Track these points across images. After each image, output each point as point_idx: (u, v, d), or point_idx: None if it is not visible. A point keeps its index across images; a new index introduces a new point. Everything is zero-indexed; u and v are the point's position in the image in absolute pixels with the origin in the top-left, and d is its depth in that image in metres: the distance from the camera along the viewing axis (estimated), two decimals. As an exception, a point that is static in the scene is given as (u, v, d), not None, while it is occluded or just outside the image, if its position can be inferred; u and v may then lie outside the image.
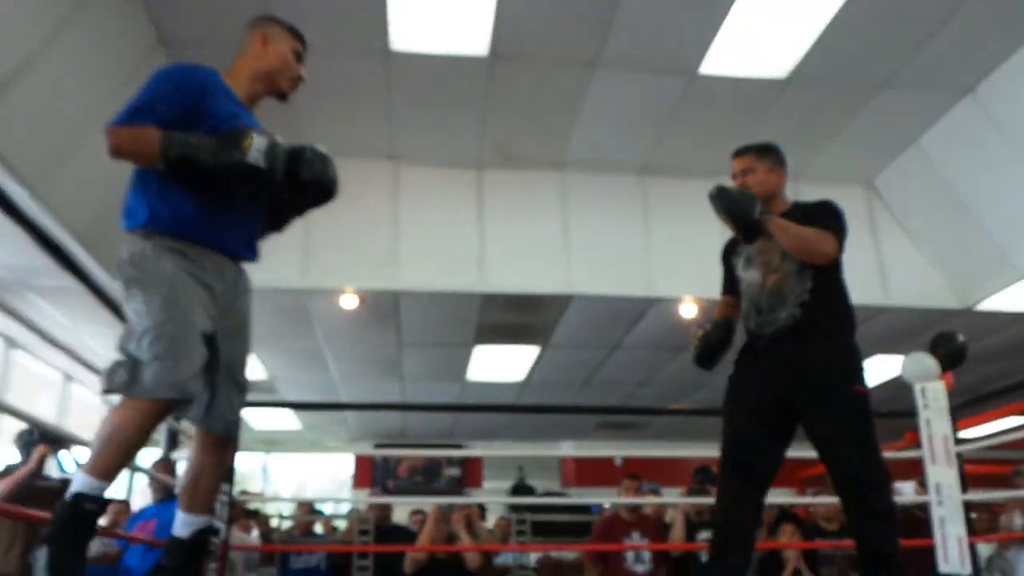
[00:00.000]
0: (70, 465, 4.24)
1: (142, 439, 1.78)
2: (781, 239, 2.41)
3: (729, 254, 2.70)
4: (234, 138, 1.81)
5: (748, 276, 2.57)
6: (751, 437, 2.42)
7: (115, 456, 1.74)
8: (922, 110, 5.19)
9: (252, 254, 2.08)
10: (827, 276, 2.44)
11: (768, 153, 2.62)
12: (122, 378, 1.75)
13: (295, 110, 5.05)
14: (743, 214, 2.40)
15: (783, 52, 4.59)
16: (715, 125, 5.22)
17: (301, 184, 1.98)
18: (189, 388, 1.79)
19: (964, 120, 5.13)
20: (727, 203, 2.42)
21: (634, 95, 4.93)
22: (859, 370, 2.38)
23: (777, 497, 4.54)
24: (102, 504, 1.77)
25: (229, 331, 1.95)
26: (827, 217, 2.46)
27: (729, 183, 2.55)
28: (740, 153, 2.62)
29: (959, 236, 5.57)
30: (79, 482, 1.73)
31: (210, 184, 1.86)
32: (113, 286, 5.02)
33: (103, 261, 4.85)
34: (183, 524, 1.93)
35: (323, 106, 5.04)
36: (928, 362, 3.87)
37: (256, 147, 1.81)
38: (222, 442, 1.97)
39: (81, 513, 1.72)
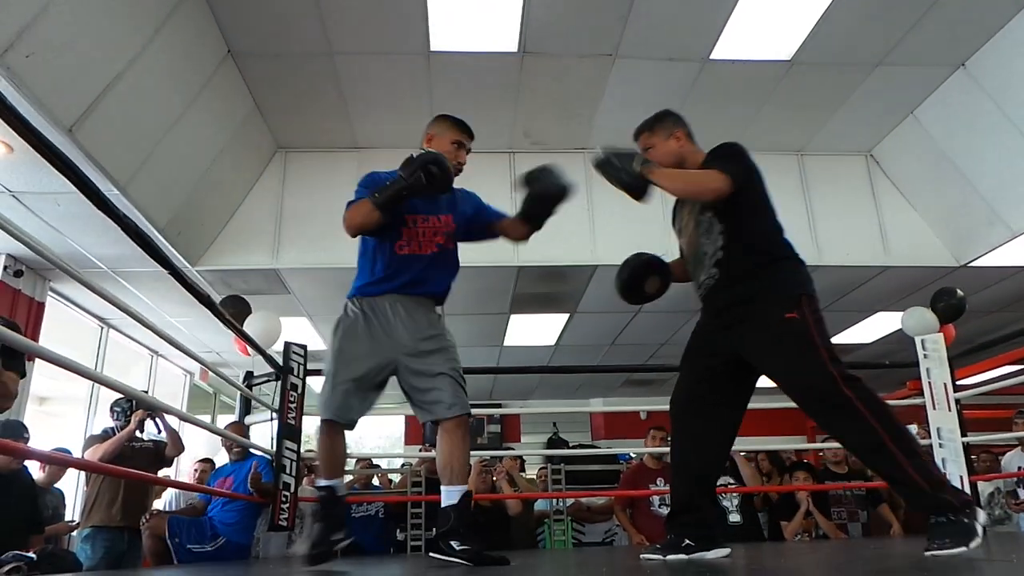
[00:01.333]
0: (159, 428, 4.36)
1: (331, 447, 2.30)
2: (666, 187, 2.21)
3: (674, 221, 2.50)
4: (403, 163, 2.26)
5: (680, 243, 2.41)
6: (692, 396, 2.28)
7: (325, 461, 2.31)
8: (917, 84, 5.07)
9: (439, 286, 2.43)
10: (738, 224, 2.21)
11: (658, 123, 2.38)
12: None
13: (348, 107, 5.10)
14: (620, 176, 2.23)
15: (787, 36, 4.50)
16: (726, 106, 5.15)
17: (535, 196, 2.45)
18: (345, 415, 2.27)
19: (956, 92, 5.00)
20: (604, 170, 2.27)
21: (651, 81, 4.87)
22: (788, 299, 2.10)
23: (788, 444, 4.53)
24: (333, 490, 2.30)
25: (412, 352, 2.31)
26: (718, 157, 2.22)
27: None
28: (636, 135, 2.42)
29: (954, 199, 5.45)
30: (320, 481, 2.32)
31: (407, 230, 2.36)
32: (190, 272, 5.13)
33: (180, 250, 4.97)
34: (448, 495, 2.25)
35: (372, 102, 5.08)
36: (927, 316, 3.81)
37: (416, 153, 2.28)
38: (449, 426, 2.28)
39: (324, 498, 2.30)
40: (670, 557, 2.16)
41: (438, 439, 2.30)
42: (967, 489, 3.63)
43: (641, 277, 2.52)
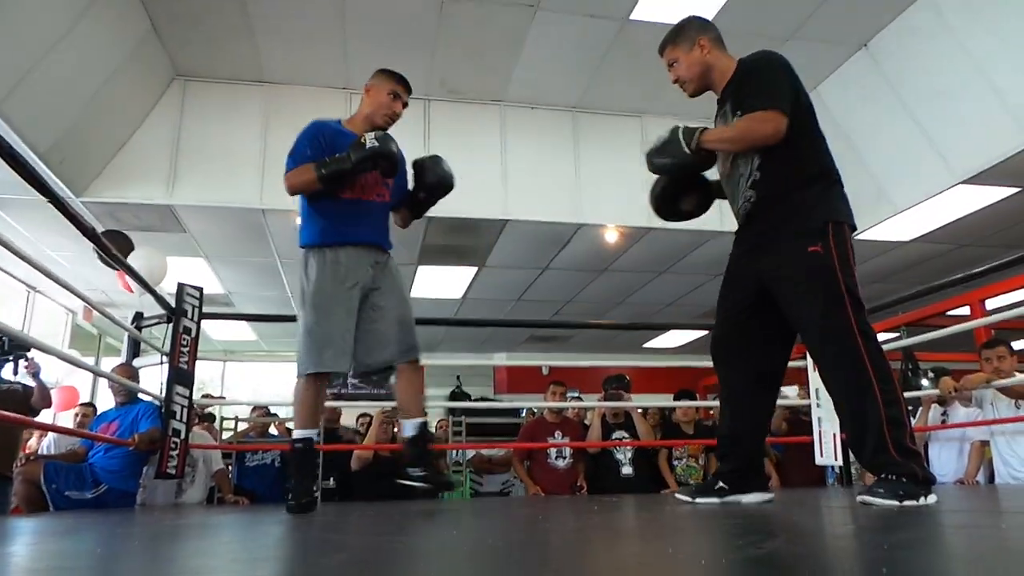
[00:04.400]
0: (35, 373, 4.10)
1: (313, 399, 2.42)
2: (726, 147, 2.13)
3: None
4: (354, 144, 2.37)
5: (718, 165, 2.27)
6: (728, 336, 2.19)
7: (302, 414, 2.41)
8: (822, 61, 5.29)
9: (387, 241, 2.57)
10: (775, 145, 2.06)
11: (680, 36, 2.25)
12: (297, 363, 2.39)
13: (256, 37, 4.83)
14: (678, 166, 2.15)
15: (705, 3, 4.56)
16: (643, 68, 5.19)
17: (428, 185, 2.58)
18: (330, 365, 2.36)
19: (857, 71, 5.26)
20: (659, 172, 2.22)
21: (571, 37, 4.86)
22: (812, 230, 1.99)
23: (682, 403, 4.75)
24: (309, 442, 2.42)
25: (377, 298, 2.46)
26: (759, 89, 2.07)
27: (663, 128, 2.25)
28: (661, 50, 2.28)
29: (846, 175, 5.67)
30: (295, 433, 2.43)
31: (351, 183, 2.44)
32: (74, 203, 4.79)
33: (63, 178, 4.63)
34: (409, 427, 2.46)
35: (282, 35, 4.85)
36: None
37: (370, 139, 2.36)
38: (405, 367, 2.48)
39: (299, 451, 2.41)
40: (699, 500, 2.14)
41: (396, 380, 2.51)
42: (840, 445, 3.92)
43: (677, 192, 2.36)
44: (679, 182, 2.35)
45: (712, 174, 2.32)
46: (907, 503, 1.78)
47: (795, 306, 2.01)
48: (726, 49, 2.24)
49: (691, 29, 2.24)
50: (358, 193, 2.48)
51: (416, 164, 2.61)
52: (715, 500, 2.14)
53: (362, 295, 2.45)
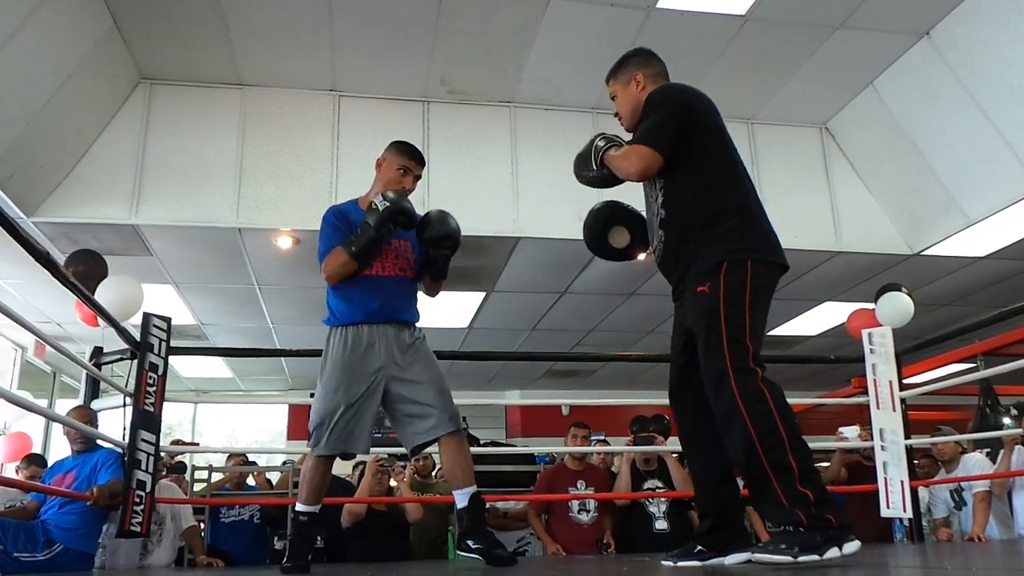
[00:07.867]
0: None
1: (320, 476, 2.81)
2: (616, 172, 2.36)
3: None
4: (368, 211, 2.73)
5: None
6: (677, 389, 2.38)
7: (307, 489, 2.80)
8: (877, 52, 5.31)
9: (411, 315, 2.89)
10: (676, 178, 2.27)
11: (621, 68, 2.48)
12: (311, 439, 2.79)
13: (231, 34, 4.92)
14: (587, 180, 2.42)
15: (742, -13, 4.62)
16: (672, 63, 5.16)
17: (430, 241, 2.81)
18: (329, 448, 2.73)
19: (918, 63, 5.27)
20: (581, 181, 2.47)
21: (589, 28, 4.91)
22: (704, 271, 2.17)
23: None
24: (311, 516, 2.81)
25: (402, 372, 2.76)
26: (644, 124, 2.31)
27: None
28: (606, 81, 2.53)
29: (911, 181, 5.75)
30: (298, 506, 2.84)
31: (377, 255, 2.79)
32: (25, 223, 4.85)
33: (12, 196, 4.70)
34: (461, 497, 2.72)
35: (261, 31, 4.94)
36: (904, 301, 4.00)
37: (379, 202, 2.71)
38: (447, 438, 2.73)
39: (300, 522, 2.82)
40: (681, 564, 2.25)
41: (440, 452, 2.79)
42: (908, 494, 3.87)
43: (604, 227, 2.59)
44: (607, 216, 2.61)
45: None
46: (804, 558, 1.85)
47: (698, 346, 2.18)
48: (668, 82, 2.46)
49: (631, 63, 2.47)
50: (377, 270, 2.82)
51: (423, 217, 2.85)
52: (696, 563, 2.24)
53: (388, 375, 2.76)
